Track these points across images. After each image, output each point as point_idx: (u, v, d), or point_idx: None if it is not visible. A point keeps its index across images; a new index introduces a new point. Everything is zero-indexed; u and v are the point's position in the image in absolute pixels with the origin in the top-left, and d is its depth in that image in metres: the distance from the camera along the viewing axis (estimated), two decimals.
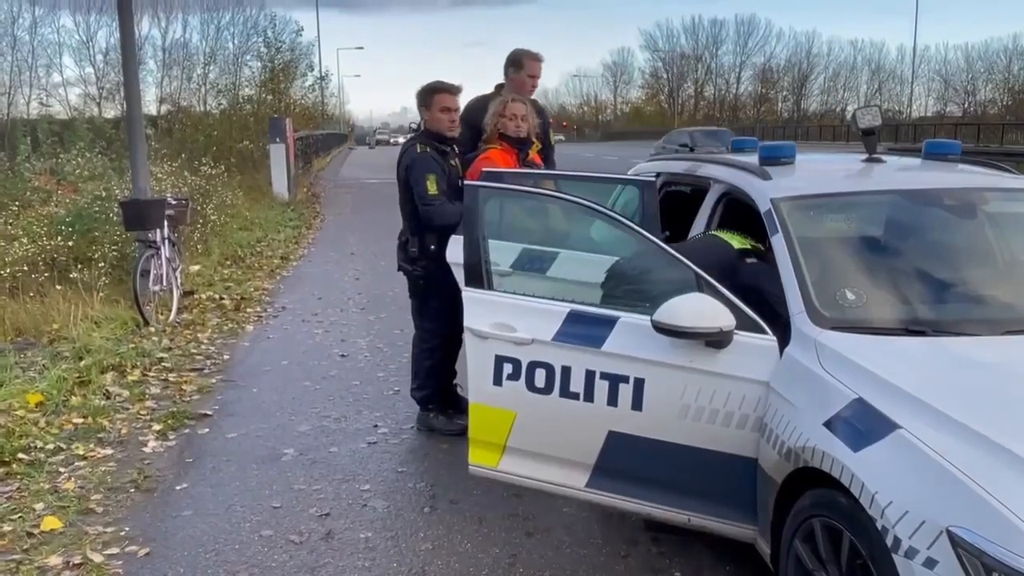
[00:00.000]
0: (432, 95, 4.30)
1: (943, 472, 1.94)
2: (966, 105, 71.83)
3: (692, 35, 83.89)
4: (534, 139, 4.49)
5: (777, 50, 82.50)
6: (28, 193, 10.52)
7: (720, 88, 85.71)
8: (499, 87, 4.89)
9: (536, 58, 4.84)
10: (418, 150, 4.26)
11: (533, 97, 4.81)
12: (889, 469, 2.04)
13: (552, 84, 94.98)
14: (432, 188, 4.14)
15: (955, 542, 1.83)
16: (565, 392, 2.87)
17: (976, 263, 3.07)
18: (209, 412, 4.87)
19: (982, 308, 2.81)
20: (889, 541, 1.96)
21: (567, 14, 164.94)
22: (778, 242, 2.87)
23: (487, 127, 4.36)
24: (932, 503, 1.91)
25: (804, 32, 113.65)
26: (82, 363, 5.46)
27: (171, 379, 5.46)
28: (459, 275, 3.18)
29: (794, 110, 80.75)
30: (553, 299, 2.99)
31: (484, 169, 4.09)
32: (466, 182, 3.36)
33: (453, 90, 4.37)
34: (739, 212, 3.35)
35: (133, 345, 5.99)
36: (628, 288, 3.08)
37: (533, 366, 2.92)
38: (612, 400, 2.80)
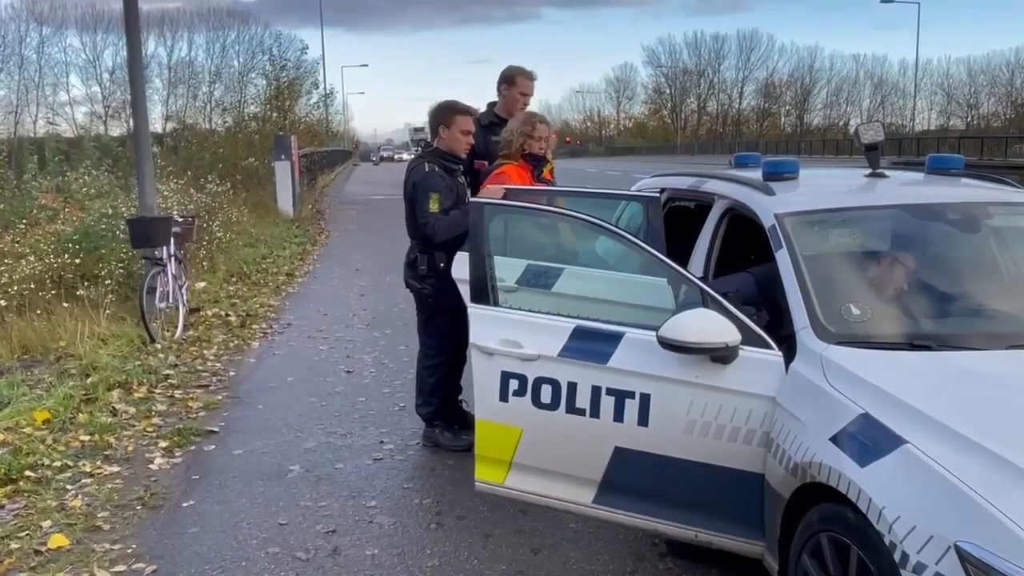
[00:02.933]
0: (454, 115, 4.32)
1: (950, 487, 1.94)
2: (969, 118, 71.96)
3: (694, 50, 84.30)
4: (549, 158, 4.53)
5: (779, 65, 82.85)
6: (35, 211, 10.59)
7: (723, 103, 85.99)
8: (491, 105, 4.92)
9: (529, 76, 4.87)
10: (426, 168, 4.28)
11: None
12: (896, 484, 2.04)
13: (555, 100, 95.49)
14: (433, 206, 4.17)
15: (963, 557, 1.83)
16: (571, 408, 2.87)
17: (980, 277, 3.07)
18: (215, 429, 4.88)
19: (987, 322, 2.81)
20: (897, 556, 1.95)
21: (570, 31, 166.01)
22: (782, 257, 2.87)
23: (507, 143, 4.37)
24: (940, 518, 1.91)
25: (806, 47, 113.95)
26: (89, 380, 5.48)
27: (177, 396, 5.47)
28: (464, 291, 3.19)
29: (797, 124, 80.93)
30: (559, 315, 3.00)
31: (491, 185, 4.12)
32: (471, 199, 3.37)
33: (472, 113, 4.41)
34: (743, 228, 3.36)
35: (139, 362, 6.01)
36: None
37: (539, 382, 2.92)
38: (618, 416, 2.80)
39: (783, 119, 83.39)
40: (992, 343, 2.62)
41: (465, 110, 4.38)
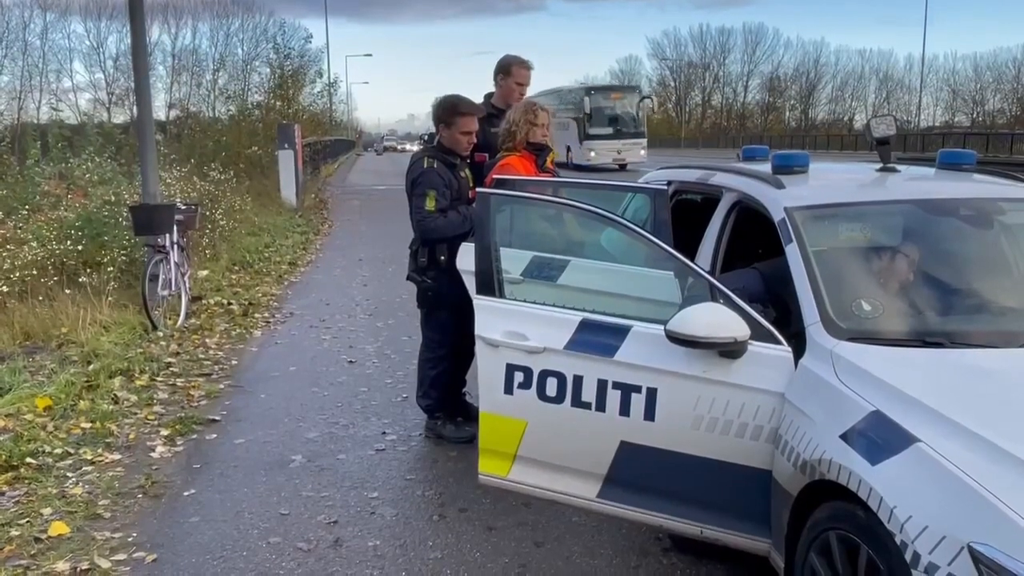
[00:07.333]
0: (456, 117, 4.24)
1: (964, 486, 1.91)
2: (974, 115, 71.73)
3: (700, 43, 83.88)
4: (552, 146, 4.49)
5: (785, 59, 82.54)
6: (38, 197, 10.53)
7: (728, 97, 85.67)
8: (488, 96, 4.88)
9: (525, 65, 4.82)
10: (425, 164, 4.23)
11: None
12: (908, 483, 2.01)
13: None
14: (429, 204, 4.14)
15: (976, 558, 1.80)
16: (577, 401, 2.85)
17: (993, 274, 3.03)
18: (217, 418, 4.87)
19: (1000, 319, 2.78)
20: (908, 556, 1.92)
21: (574, 23, 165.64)
22: (792, 252, 2.84)
23: (510, 134, 4.33)
24: (953, 518, 1.88)
25: (812, 41, 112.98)
26: (90, 368, 5.47)
27: (179, 384, 5.45)
28: (470, 283, 3.16)
29: (802, 119, 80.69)
30: (565, 307, 2.97)
31: (496, 176, 4.09)
32: (479, 189, 3.34)
33: (476, 113, 4.33)
34: (751, 221, 3.32)
35: (141, 350, 6.00)
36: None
37: (545, 375, 2.89)
38: (624, 410, 2.77)
39: (788, 113, 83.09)
40: (1005, 341, 2.59)
41: (468, 111, 4.29)
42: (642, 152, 32.01)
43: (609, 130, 32.11)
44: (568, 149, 32.37)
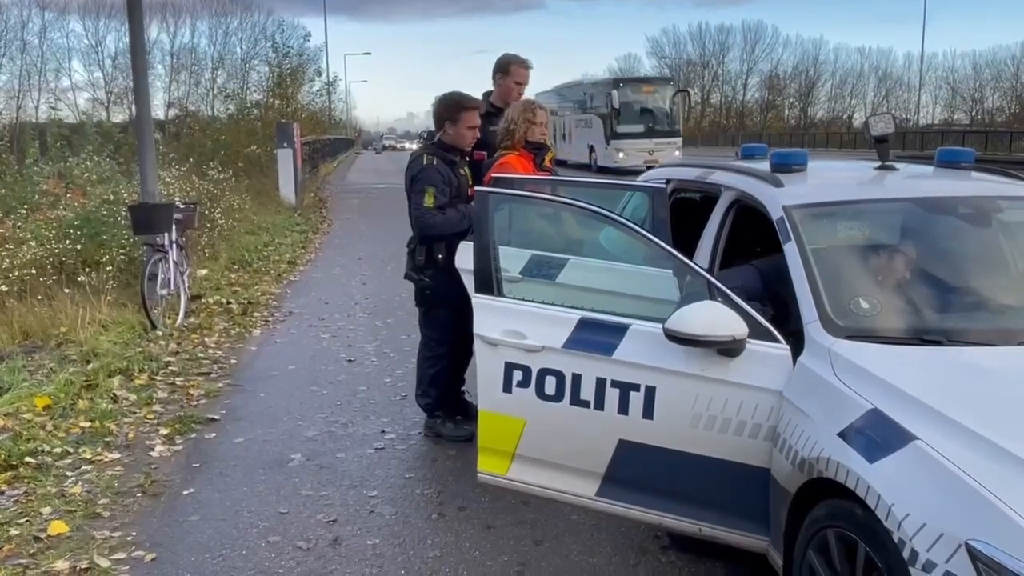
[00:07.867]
0: (461, 112, 4.26)
1: (961, 484, 1.91)
2: (974, 113, 71.74)
3: (699, 42, 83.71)
4: (550, 145, 4.50)
5: (784, 57, 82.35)
6: (36, 197, 10.51)
7: (727, 95, 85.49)
8: (487, 95, 4.88)
9: (523, 64, 4.83)
10: (424, 162, 4.24)
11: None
12: (906, 481, 2.01)
13: None
14: (428, 201, 4.15)
15: (974, 556, 1.80)
16: (575, 400, 2.85)
17: (991, 272, 3.04)
18: (216, 417, 4.87)
19: (998, 318, 2.79)
20: (906, 554, 1.93)
21: (573, 21, 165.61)
22: (791, 250, 2.84)
23: (509, 132, 4.34)
24: (950, 516, 1.88)
25: (811, 39, 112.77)
26: (89, 367, 5.47)
27: (178, 383, 5.45)
28: (468, 282, 3.16)
29: (801, 117, 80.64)
30: (564, 306, 2.97)
31: (495, 175, 4.09)
32: (477, 188, 3.34)
33: (480, 108, 4.36)
34: (750, 220, 3.33)
35: (140, 349, 6.00)
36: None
37: (543, 373, 2.90)
38: (623, 408, 2.77)
39: (787, 112, 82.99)
40: (1004, 339, 2.59)
41: (472, 105, 4.32)
42: (677, 153, 27.34)
43: (640, 127, 27.93)
44: (591, 149, 29.69)
